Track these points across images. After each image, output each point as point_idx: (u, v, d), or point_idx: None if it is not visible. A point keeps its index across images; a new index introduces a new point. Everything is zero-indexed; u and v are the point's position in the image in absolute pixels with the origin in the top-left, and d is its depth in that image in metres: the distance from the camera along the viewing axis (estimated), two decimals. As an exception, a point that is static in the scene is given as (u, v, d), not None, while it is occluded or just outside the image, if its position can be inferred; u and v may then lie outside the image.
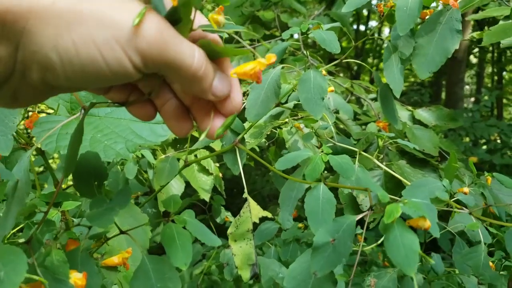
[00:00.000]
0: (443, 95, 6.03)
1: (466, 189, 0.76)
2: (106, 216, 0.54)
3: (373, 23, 6.61)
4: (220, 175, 1.17)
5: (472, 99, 7.39)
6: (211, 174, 1.03)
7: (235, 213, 0.82)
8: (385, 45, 0.84)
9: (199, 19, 0.37)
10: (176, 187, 1.06)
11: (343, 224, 0.51)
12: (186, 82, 0.36)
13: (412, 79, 6.54)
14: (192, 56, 0.34)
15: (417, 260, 0.43)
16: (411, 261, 0.43)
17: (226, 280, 1.21)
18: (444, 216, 0.76)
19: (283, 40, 1.06)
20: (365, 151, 0.95)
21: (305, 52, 0.83)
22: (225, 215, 1.30)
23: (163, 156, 0.91)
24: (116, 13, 0.31)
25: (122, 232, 0.63)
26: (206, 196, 1.03)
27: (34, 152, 0.83)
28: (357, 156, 0.74)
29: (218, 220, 1.29)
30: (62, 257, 0.50)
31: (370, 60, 6.36)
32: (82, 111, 0.49)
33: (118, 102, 0.42)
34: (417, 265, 0.43)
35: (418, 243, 0.44)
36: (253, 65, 0.36)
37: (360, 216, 0.55)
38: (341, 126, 1.33)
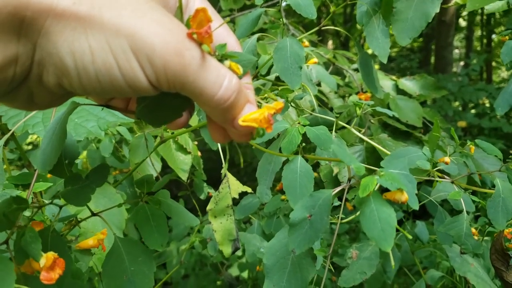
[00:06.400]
0: (433, 59, 5.99)
1: (447, 159, 0.74)
2: (82, 194, 0.52)
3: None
4: (199, 153, 1.15)
5: (462, 63, 7.36)
6: (189, 153, 1.00)
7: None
8: (362, 9, 0.80)
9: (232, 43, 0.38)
10: (154, 165, 1.04)
11: (319, 199, 0.49)
12: (207, 109, 0.33)
13: (402, 45, 6.46)
14: (218, 85, 0.31)
15: (393, 235, 0.41)
16: (387, 236, 0.41)
17: (214, 254, 1.21)
18: (430, 182, 0.74)
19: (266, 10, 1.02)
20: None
21: (284, 19, 0.80)
22: (208, 190, 1.28)
23: (139, 133, 0.89)
24: (136, 22, 0.29)
25: (94, 214, 0.61)
26: (184, 176, 1.00)
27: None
28: (334, 127, 0.72)
29: (201, 196, 1.27)
30: (35, 233, 0.48)
31: (358, 26, 6.27)
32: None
33: (107, 106, 0.40)
34: (393, 241, 0.41)
35: (395, 217, 0.42)
36: (261, 111, 0.34)
37: (337, 189, 0.53)
38: (324, 99, 1.29)
